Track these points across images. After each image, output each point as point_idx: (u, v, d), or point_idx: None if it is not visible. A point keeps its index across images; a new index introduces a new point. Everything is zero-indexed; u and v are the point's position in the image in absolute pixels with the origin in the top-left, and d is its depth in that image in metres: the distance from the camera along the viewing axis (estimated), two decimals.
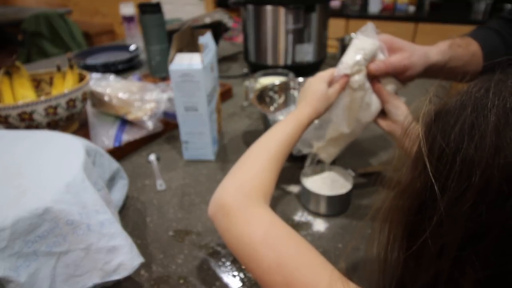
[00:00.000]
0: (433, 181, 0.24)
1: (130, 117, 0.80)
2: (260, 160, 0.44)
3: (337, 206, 0.61)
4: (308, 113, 0.52)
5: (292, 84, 0.85)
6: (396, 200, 0.29)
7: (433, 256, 0.25)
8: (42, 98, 0.70)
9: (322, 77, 0.56)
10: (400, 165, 0.30)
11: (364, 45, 0.55)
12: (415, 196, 0.27)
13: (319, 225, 0.58)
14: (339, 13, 2.53)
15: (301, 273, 0.33)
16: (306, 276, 0.33)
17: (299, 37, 1.11)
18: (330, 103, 0.55)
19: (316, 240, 0.55)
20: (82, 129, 0.85)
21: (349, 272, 0.50)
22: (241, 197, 0.40)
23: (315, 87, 0.55)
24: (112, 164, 0.59)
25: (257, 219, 0.38)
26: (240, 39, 2.25)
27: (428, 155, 0.25)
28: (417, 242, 0.26)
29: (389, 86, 0.58)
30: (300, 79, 0.86)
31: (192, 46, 0.77)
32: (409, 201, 0.27)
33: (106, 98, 0.81)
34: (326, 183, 0.63)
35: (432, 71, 0.58)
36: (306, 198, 0.62)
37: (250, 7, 1.11)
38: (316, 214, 0.61)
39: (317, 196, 0.60)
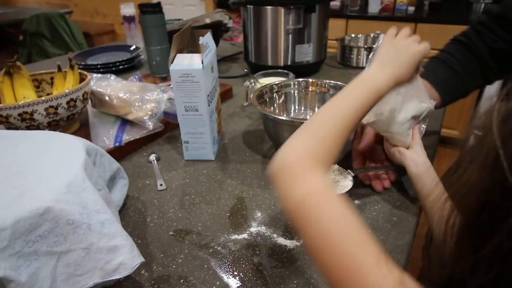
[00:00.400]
0: (509, 175, 0.24)
1: (131, 117, 0.80)
2: (328, 126, 0.41)
3: None
4: (388, 78, 0.45)
5: (292, 84, 0.85)
6: (460, 198, 0.28)
7: (501, 257, 0.25)
8: (43, 98, 0.70)
9: (415, 39, 0.49)
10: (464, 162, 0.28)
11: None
12: (483, 195, 0.26)
13: None
14: (339, 13, 2.53)
15: (350, 243, 0.31)
16: (355, 247, 0.31)
17: (299, 37, 1.11)
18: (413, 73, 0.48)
19: None
20: (83, 129, 0.86)
21: None
22: (307, 161, 0.37)
23: (409, 48, 0.48)
24: (113, 164, 0.59)
25: (316, 186, 0.35)
26: (240, 39, 2.25)
27: (504, 153, 0.24)
28: (482, 242, 0.25)
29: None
30: (300, 79, 0.86)
31: (192, 46, 0.77)
32: (475, 199, 0.26)
33: (106, 98, 0.82)
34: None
35: None
36: None
37: (250, 7, 1.12)
38: None
39: None
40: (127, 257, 0.44)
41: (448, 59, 0.72)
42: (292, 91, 0.85)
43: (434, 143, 0.79)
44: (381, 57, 0.48)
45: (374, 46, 0.57)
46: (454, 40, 0.75)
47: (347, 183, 0.62)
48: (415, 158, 0.60)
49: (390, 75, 0.46)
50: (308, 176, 0.36)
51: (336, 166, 0.66)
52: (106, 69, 1.26)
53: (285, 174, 0.37)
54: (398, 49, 0.49)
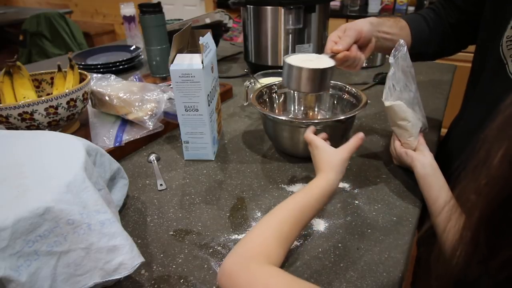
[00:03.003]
0: None
1: (131, 117, 0.80)
2: (268, 229, 0.45)
3: (318, 81, 0.61)
4: (318, 183, 0.51)
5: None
6: (483, 188, 0.27)
7: None
8: (43, 98, 0.70)
9: (321, 144, 0.58)
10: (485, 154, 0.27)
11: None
12: (506, 188, 0.25)
13: (319, 225, 0.58)
14: (339, 13, 2.53)
15: None
16: None
17: (299, 37, 1.11)
18: (345, 158, 0.55)
19: (316, 240, 0.55)
20: (83, 129, 0.86)
21: (351, 272, 0.50)
22: (243, 260, 0.41)
23: (322, 154, 0.56)
24: (113, 164, 0.59)
25: (258, 275, 0.39)
26: (240, 39, 2.25)
27: None
28: (501, 239, 0.25)
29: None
30: None
31: (192, 46, 0.77)
32: (498, 191, 0.26)
33: (106, 98, 0.82)
34: (308, 60, 0.65)
35: (366, 38, 0.70)
36: (287, 76, 0.64)
37: (250, 7, 1.12)
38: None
39: (299, 70, 0.61)
40: (127, 257, 0.44)
41: (426, 17, 0.81)
42: (292, 91, 0.85)
43: (434, 143, 0.79)
44: (316, 166, 0.57)
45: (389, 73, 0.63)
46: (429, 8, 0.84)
47: (329, 60, 0.64)
48: (422, 160, 0.61)
49: (331, 177, 0.52)
50: (246, 272, 0.40)
51: (315, 55, 0.68)
52: (106, 69, 1.26)
53: (226, 279, 0.40)
54: (319, 159, 0.57)
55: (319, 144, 0.57)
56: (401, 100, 0.63)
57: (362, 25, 0.69)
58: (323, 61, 0.65)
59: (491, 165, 0.26)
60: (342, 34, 0.68)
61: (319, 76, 0.63)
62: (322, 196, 0.50)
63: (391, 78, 0.62)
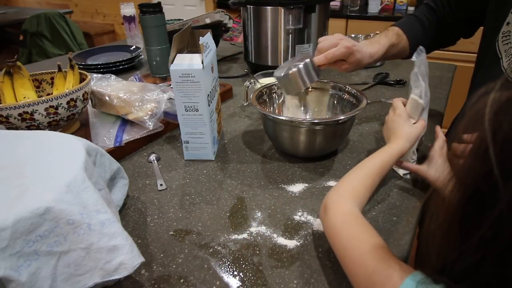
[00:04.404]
0: (495, 167, 0.26)
1: (131, 117, 0.80)
2: (355, 178, 0.55)
3: (303, 78, 0.72)
4: (401, 144, 0.60)
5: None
6: (453, 188, 0.30)
7: (486, 242, 0.27)
8: (43, 98, 0.70)
9: (403, 111, 0.65)
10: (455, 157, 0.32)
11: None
12: (473, 184, 0.28)
13: (320, 225, 0.58)
14: (339, 13, 2.53)
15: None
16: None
17: (299, 37, 1.11)
18: (419, 132, 0.63)
19: (316, 240, 0.55)
20: (83, 129, 0.86)
21: None
22: (337, 197, 0.51)
23: (400, 120, 0.64)
24: (113, 164, 0.59)
25: (342, 211, 0.49)
26: (240, 39, 2.25)
27: (491, 141, 0.26)
28: (472, 230, 0.28)
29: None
30: None
31: (192, 46, 0.77)
32: (466, 189, 0.29)
33: (106, 98, 0.82)
34: (292, 66, 0.73)
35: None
36: (282, 86, 0.76)
37: (250, 7, 1.12)
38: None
39: (284, 78, 0.73)
40: (127, 257, 0.44)
41: (420, 16, 0.87)
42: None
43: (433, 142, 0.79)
44: (388, 133, 0.65)
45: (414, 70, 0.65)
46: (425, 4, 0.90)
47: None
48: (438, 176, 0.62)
49: (398, 145, 0.61)
50: (336, 206, 0.50)
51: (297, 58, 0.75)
52: (106, 69, 1.26)
53: (324, 212, 0.51)
54: (390, 127, 0.65)
55: (403, 114, 0.64)
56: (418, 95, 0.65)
57: (361, 56, 0.76)
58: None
59: (462, 163, 0.30)
60: (336, 43, 0.74)
61: (302, 75, 0.73)
62: (395, 158, 0.59)
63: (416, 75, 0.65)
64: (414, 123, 0.65)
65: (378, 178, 0.56)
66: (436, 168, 0.61)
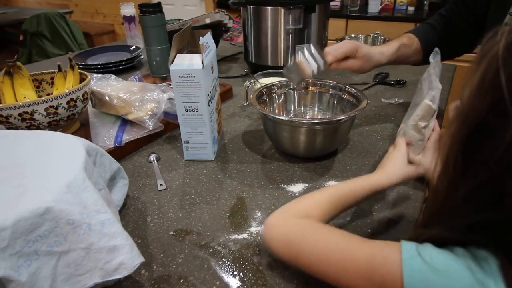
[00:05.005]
0: (507, 97, 0.27)
1: (131, 117, 0.80)
2: (314, 198, 0.50)
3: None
4: (379, 177, 0.55)
5: (291, 84, 0.85)
6: (457, 125, 0.32)
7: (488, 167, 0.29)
8: (43, 98, 0.70)
9: (402, 150, 0.61)
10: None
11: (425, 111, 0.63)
12: (476, 120, 0.30)
13: None
14: (339, 13, 2.53)
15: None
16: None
17: (299, 37, 1.11)
18: (407, 174, 0.58)
19: None
20: (83, 129, 0.86)
21: None
22: (285, 215, 0.48)
23: (393, 157, 0.60)
24: (113, 164, 0.59)
25: (296, 223, 0.45)
26: (240, 39, 2.25)
27: (503, 69, 0.28)
28: (472, 159, 0.30)
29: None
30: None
31: (192, 46, 0.77)
32: (468, 127, 0.31)
33: (106, 98, 0.82)
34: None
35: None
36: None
37: (250, 7, 1.11)
38: None
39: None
40: (127, 257, 0.44)
41: (432, 23, 0.90)
42: (292, 91, 0.85)
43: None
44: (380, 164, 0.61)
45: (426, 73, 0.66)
46: (438, 14, 0.92)
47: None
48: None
49: (380, 176, 0.56)
50: (285, 220, 0.47)
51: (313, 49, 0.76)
52: (106, 69, 1.26)
53: (266, 229, 0.47)
54: (385, 159, 0.62)
55: (400, 148, 0.61)
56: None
57: (369, 51, 0.77)
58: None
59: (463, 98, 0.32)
60: (340, 44, 0.76)
61: (304, 57, 0.75)
62: (368, 189, 0.53)
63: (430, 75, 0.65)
64: (424, 126, 0.63)
65: (340, 203, 0.51)
66: (431, 161, 0.60)
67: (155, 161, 0.76)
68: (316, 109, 0.86)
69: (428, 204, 0.40)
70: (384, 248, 0.37)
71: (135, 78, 1.01)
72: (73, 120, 0.81)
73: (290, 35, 1.10)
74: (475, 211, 0.32)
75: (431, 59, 0.66)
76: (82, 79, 0.85)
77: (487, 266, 0.31)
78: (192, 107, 0.70)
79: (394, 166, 0.58)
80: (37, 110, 0.71)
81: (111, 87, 0.84)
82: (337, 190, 0.52)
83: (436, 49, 0.68)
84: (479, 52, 0.32)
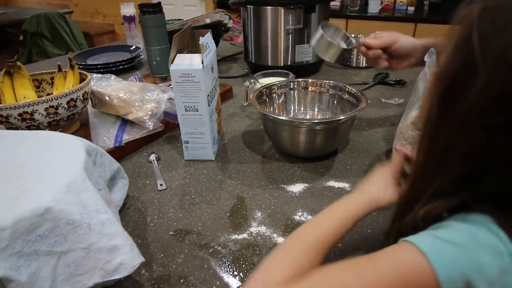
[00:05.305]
0: (478, 53, 0.30)
1: (131, 117, 0.80)
2: (294, 250, 0.40)
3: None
4: (362, 201, 0.45)
5: (291, 84, 0.85)
6: (435, 84, 0.35)
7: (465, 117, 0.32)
8: (43, 98, 0.70)
9: (386, 170, 0.50)
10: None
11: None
12: (454, 73, 0.33)
13: None
14: (339, 13, 2.53)
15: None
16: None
17: (299, 37, 1.11)
18: (389, 197, 0.47)
19: None
20: (83, 129, 0.86)
21: None
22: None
23: (377, 175, 0.50)
24: (113, 164, 0.59)
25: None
26: (240, 39, 2.25)
27: (477, 32, 0.31)
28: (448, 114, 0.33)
29: None
30: (300, 79, 0.86)
31: (192, 46, 0.77)
32: (445, 81, 0.33)
33: (106, 98, 0.82)
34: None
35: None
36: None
37: (250, 7, 1.12)
38: None
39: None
40: (127, 257, 0.44)
41: None
42: (292, 91, 0.86)
43: None
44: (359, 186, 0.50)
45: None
46: None
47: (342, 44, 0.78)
48: None
49: (363, 198, 0.46)
50: None
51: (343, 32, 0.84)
52: (106, 69, 1.26)
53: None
54: (365, 180, 0.50)
55: (389, 173, 0.49)
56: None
57: (403, 41, 0.80)
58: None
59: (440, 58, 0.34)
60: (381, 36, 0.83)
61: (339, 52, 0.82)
62: (345, 209, 0.45)
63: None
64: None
65: (325, 248, 0.41)
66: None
67: (155, 161, 0.76)
68: (316, 109, 0.86)
69: (412, 175, 0.40)
70: (397, 253, 0.35)
71: (135, 78, 1.01)
72: (73, 120, 0.81)
73: (290, 35, 1.10)
74: (454, 164, 0.34)
75: (426, 58, 0.67)
76: (82, 79, 0.85)
77: (489, 225, 0.32)
78: (192, 107, 0.70)
79: (373, 186, 0.48)
80: (37, 110, 0.71)
81: (111, 87, 0.84)
82: (317, 240, 0.41)
83: (432, 49, 0.68)
84: (455, 18, 0.34)
